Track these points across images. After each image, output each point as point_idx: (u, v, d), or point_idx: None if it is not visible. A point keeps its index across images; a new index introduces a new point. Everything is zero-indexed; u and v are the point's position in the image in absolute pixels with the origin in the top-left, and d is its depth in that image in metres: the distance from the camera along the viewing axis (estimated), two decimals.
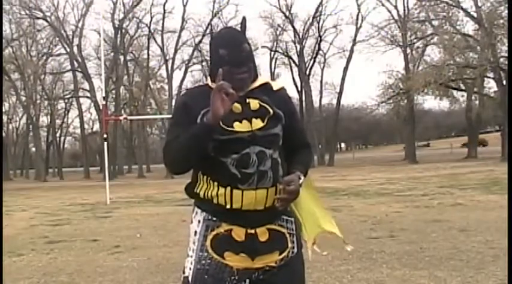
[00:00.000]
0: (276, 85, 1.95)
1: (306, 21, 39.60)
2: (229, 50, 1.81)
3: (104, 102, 17.74)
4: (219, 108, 1.67)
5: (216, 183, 1.80)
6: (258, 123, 1.80)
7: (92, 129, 53.75)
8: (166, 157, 1.83)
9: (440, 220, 6.95)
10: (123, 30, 38.48)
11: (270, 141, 1.80)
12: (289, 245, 1.87)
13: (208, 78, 1.92)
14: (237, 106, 1.80)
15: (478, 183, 13.13)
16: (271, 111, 1.83)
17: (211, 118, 1.69)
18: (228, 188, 1.78)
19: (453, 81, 31.17)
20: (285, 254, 1.85)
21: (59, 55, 41.31)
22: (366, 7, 63.66)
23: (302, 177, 1.81)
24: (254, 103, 1.83)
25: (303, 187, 1.91)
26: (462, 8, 29.54)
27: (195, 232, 1.86)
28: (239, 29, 1.92)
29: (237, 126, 1.78)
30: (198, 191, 1.86)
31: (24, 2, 34.11)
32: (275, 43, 40.99)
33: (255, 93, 1.86)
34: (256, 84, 1.89)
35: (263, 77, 1.96)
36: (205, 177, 1.84)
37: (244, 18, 1.95)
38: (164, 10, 38.08)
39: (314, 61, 40.46)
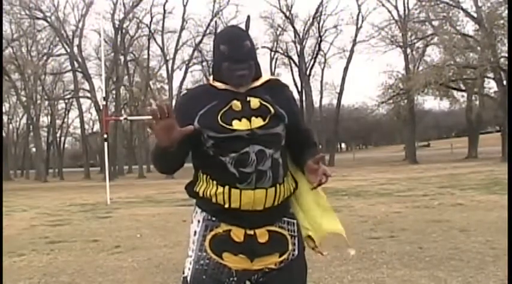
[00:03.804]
0: (279, 81, 1.95)
1: (306, 21, 39.63)
2: (229, 46, 1.81)
3: (104, 102, 17.71)
4: (163, 140, 1.63)
5: (215, 182, 1.79)
6: (257, 122, 1.79)
7: (92, 129, 53.83)
8: (151, 160, 1.89)
9: (441, 220, 6.95)
10: (123, 31, 38.48)
11: (270, 140, 1.79)
12: (290, 247, 1.85)
13: (211, 76, 1.93)
14: (237, 105, 1.80)
15: (479, 183, 13.12)
16: (272, 110, 1.82)
17: (159, 143, 1.67)
18: (227, 187, 1.77)
19: (453, 81, 31.13)
20: (285, 256, 1.83)
21: (59, 55, 41.30)
22: (366, 7, 63.85)
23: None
24: (254, 102, 1.81)
25: (304, 188, 1.91)
26: (462, 8, 29.53)
27: (195, 232, 1.86)
28: (243, 27, 1.92)
29: (236, 125, 1.77)
30: (197, 190, 1.85)
31: (24, 2, 34.09)
32: (275, 43, 41.01)
33: (256, 91, 1.85)
34: (259, 82, 1.88)
35: (266, 75, 1.95)
36: (204, 176, 1.83)
37: (248, 17, 1.95)
38: (164, 10, 38.11)
39: (314, 61, 40.46)
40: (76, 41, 38.16)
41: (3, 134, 44.25)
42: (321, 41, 39.73)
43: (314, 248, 1.98)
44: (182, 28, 38.04)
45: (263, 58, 39.63)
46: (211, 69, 2.02)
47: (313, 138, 2.01)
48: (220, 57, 1.83)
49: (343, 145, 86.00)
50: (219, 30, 1.95)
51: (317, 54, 40.19)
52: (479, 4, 28.53)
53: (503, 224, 5.98)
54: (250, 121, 1.78)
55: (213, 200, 1.80)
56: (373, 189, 13.26)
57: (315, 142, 2.00)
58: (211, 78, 1.91)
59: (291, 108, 1.89)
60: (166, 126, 1.60)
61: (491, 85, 32.08)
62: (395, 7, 35.18)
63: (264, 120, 1.80)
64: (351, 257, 4.79)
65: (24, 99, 38.81)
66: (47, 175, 41.09)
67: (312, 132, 2.07)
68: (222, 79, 1.85)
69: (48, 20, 35.96)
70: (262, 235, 1.80)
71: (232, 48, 1.81)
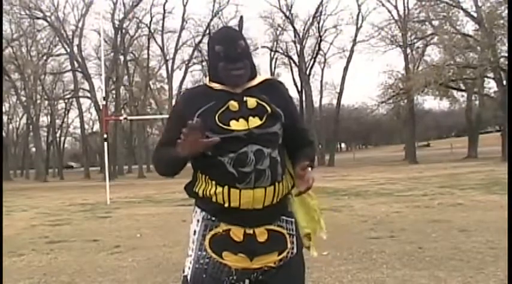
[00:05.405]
0: (275, 80, 1.97)
1: (306, 21, 39.69)
2: (224, 46, 1.82)
3: (104, 102, 17.73)
4: (185, 149, 1.70)
5: (214, 182, 1.80)
6: (255, 122, 1.80)
7: (92, 129, 53.86)
8: (153, 162, 1.93)
9: (441, 220, 6.94)
10: (123, 30, 38.50)
11: (268, 139, 1.80)
12: (289, 246, 1.87)
13: (207, 77, 1.94)
14: (234, 105, 1.81)
15: (478, 183, 13.12)
16: (269, 109, 1.83)
17: (180, 152, 1.72)
18: (226, 187, 1.78)
19: (453, 81, 31.14)
20: (284, 255, 1.85)
21: (59, 55, 41.36)
22: (366, 7, 63.81)
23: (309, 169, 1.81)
24: (251, 102, 1.82)
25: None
26: (462, 8, 29.54)
27: (194, 231, 1.87)
28: (237, 27, 1.94)
29: (234, 125, 1.78)
30: (197, 190, 1.86)
31: (24, 2, 34.10)
32: (275, 43, 41.04)
33: (253, 91, 1.86)
34: (255, 82, 1.90)
35: (263, 76, 1.96)
36: (203, 176, 1.84)
37: (241, 17, 1.97)
38: (164, 10, 38.20)
39: (314, 61, 40.51)
40: (76, 41, 38.23)
41: (3, 134, 44.26)
42: (320, 40, 39.78)
43: (308, 248, 1.99)
44: (182, 28, 38.12)
45: (263, 58, 39.70)
46: (207, 70, 2.04)
47: (309, 137, 2.02)
48: (216, 57, 1.84)
49: (343, 145, 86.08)
50: (214, 30, 1.97)
51: (317, 54, 40.25)
52: (479, 4, 28.55)
53: (503, 224, 5.97)
54: (247, 121, 1.79)
55: (213, 199, 1.81)
56: (373, 189, 13.26)
57: (311, 141, 2.01)
58: (207, 79, 1.93)
59: (288, 107, 1.90)
60: (196, 139, 1.68)
61: (491, 85, 32.16)
62: (395, 7, 35.23)
63: (261, 120, 1.81)
64: (350, 251, 4.79)
65: (24, 99, 38.85)
66: (47, 175, 41.10)
67: (308, 131, 2.07)
68: (218, 80, 1.86)
69: (48, 19, 35.98)
70: (261, 234, 1.81)
71: (227, 47, 1.82)
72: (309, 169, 1.79)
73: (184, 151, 1.71)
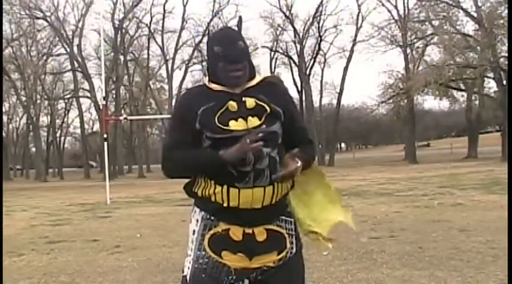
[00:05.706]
0: (274, 78, 1.97)
1: (306, 21, 39.61)
2: (224, 46, 1.83)
3: (104, 102, 17.78)
4: (239, 154, 1.72)
5: (213, 182, 1.81)
6: (254, 121, 1.80)
7: (92, 129, 53.76)
8: (165, 164, 1.88)
9: (441, 220, 6.95)
10: (123, 30, 38.47)
11: (267, 139, 1.80)
12: (288, 245, 1.87)
13: (206, 77, 1.94)
14: (233, 105, 1.82)
15: (478, 183, 13.12)
16: (268, 109, 1.83)
17: (230, 157, 1.73)
18: (225, 186, 1.78)
19: (453, 81, 31.14)
20: (283, 254, 1.85)
21: (59, 55, 41.33)
22: (366, 7, 63.36)
23: (299, 162, 1.81)
24: (250, 102, 1.83)
25: (311, 182, 1.92)
26: (462, 8, 29.54)
27: (194, 231, 1.88)
28: (236, 28, 1.94)
29: (233, 125, 1.79)
30: (196, 190, 1.87)
31: (24, 2, 34.08)
32: (275, 43, 40.96)
33: (251, 91, 1.86)
34: (254, 82, 1.90)
35: (262, 75, 1.97)
36: (203, 176, 1.85)
37: (240, 18, 1.99)
38: (164, 10, 38.14)
39: (314, 61, 40.44)
40: (76, 41, 38.19)
41: (3, 134, 44.25)
42: (320, 40, 39.73)
43: (324, 239, 1.97)
44: (182, 28, 38.09)
45: (263, 58, 39.57)
46: (206, 71, 2.04)
47: (309, 136, 2.02)
48: (215, 58, 1.84)
49: (343, 145, 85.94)
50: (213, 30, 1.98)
51: (317, 54, 40.19)
52: (479, 4, 28.56)
53: (503, 224, 5.97)
54: (246, 121, 1.80)
55: (212, 199, 1.81)
56: (373, 189, 13.26)
57: (311, 140, 2.02)
58: (206, 79, 1.93)
59: (287, 106, 1.90)
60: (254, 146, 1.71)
61: (491, 85, 32.19)
62: (395, 7, 35.17)
63: (260, 120, 1.82)
64: (350, 251, 4.80)
65: (24, 98, 38.82)
66: (47, 175, 41.08)
67: (307, 130, 2.08)
68: (217, 80, 1.87)
69: (48, 19, 35.95)
70: (260, 233, 1.81)
71: (226, 48, 1.82)
72: (298, 161, 1.79)
73: (238, 156, 1.72)
